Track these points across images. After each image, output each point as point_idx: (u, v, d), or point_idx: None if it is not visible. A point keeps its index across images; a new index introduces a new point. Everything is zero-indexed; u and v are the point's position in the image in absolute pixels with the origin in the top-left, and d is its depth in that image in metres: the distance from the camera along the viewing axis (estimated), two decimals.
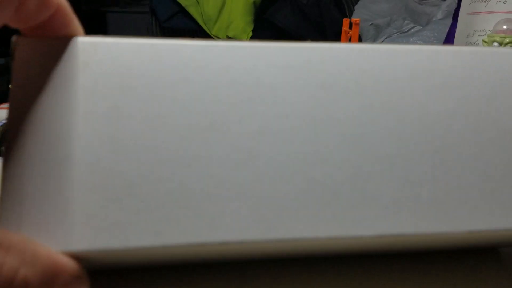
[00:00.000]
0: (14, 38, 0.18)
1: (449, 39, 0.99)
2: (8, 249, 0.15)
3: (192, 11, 1.60)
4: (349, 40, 0.70)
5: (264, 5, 1.53)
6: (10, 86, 0.18)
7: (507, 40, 0.82)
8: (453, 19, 1.03)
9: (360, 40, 1.06)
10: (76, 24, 0.19)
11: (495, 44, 0.83)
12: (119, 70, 0.18)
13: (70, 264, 0.16)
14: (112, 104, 0.18)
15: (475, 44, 0.90)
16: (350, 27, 0.71)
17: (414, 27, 1.41)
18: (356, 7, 1.56)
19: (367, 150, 0.20)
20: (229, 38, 1.55)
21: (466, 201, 0.20)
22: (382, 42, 1.39)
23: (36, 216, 0.17)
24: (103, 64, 0.18)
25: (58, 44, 0.18)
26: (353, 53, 0.20)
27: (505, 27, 0.84)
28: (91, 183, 0.17)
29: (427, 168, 0.20)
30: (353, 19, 0.70)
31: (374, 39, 1.43)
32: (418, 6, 1.50)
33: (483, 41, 0.86)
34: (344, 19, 0.75)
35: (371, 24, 1.45)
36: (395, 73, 0.20)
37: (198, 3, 1.60)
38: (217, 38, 1.58)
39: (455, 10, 0.99)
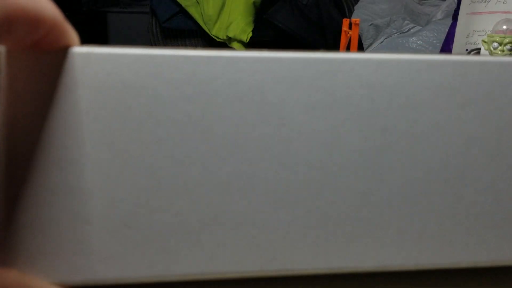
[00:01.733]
0: (1, 48, 0.16)
1: (448, 40, 0.99)
2: None
3: (192, 11, 1.61)
4: (349, 40, 0.71)
5: (264, 5, 1.53)
6: None
7: (506, 40, 0.82)
8: (452, 19, 1.03)
9: (360, 40, 1.06)
10: (71, 34, 0.17)
11: (495, 44, 0.83)
12: (114, 85, 0.17)
13: None
14: (106, 126, 0.17)
15: (474, 44, 0.90)
16: (350, 27, 0.71)
17: (413, 27, 1.41)
18: (355, 7, 1.56)
19: (375, 179, 0.18)
20: (229, 38, 1.55)
21: (472, 233, 0.19)
22: (381, 42, 1.39)
23: (31, 246, 0.17)
24: (97, 79, 0.17)
25: (52, 57, 0.17)
26: (370, 66, 0.18)
27: (504, 27, 0.84)
28: (88, 215, 0.17)
29: (436, 199, 0.19)
30: (353, 19, 0.70)
31: (373, 39, 1.43)
32: (418, 6, 1.51)
33: (483, 41, 0.86)
34: (344, 20, 0.75)
35: (371, 25, 1.45)
36: (415, 90, 0.18)
37: (198, 3, 1.60)
38: (217, 38, 1.58)
39: (454, 10, 1.00)
